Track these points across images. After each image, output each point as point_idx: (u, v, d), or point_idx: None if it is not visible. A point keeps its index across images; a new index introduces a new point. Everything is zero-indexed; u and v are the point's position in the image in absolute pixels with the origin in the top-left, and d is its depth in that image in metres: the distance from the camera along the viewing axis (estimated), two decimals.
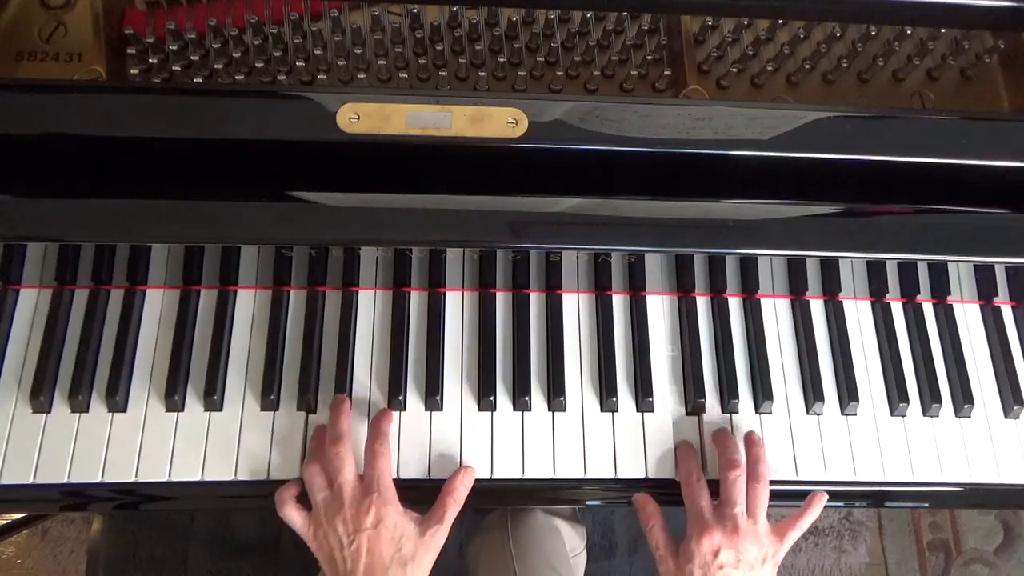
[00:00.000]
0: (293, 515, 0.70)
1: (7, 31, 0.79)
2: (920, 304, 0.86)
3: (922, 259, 0.83)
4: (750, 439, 0.77)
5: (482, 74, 0.82)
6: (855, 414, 0.81)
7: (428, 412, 0.77)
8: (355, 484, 0.69)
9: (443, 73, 0.81)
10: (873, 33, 0.85)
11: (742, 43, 0.85)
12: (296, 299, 0.81)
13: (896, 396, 0.81)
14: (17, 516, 1.25)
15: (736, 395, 0.80)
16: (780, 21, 0.85)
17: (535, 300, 0.82)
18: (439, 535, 0.70)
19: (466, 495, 0.73)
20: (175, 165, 0.70)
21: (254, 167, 0.70)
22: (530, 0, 0.79)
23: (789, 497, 0.77)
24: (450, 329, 0.81)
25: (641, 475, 0.77)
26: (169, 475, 0.73)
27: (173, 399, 0.75)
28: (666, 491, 0.76)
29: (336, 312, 0.80)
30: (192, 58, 0.79)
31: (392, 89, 0.80)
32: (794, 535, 0.73)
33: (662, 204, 0.72)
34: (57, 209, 0.68)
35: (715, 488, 0.74)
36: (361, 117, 0.67)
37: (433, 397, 0.77)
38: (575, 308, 0.82)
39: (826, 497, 0.75)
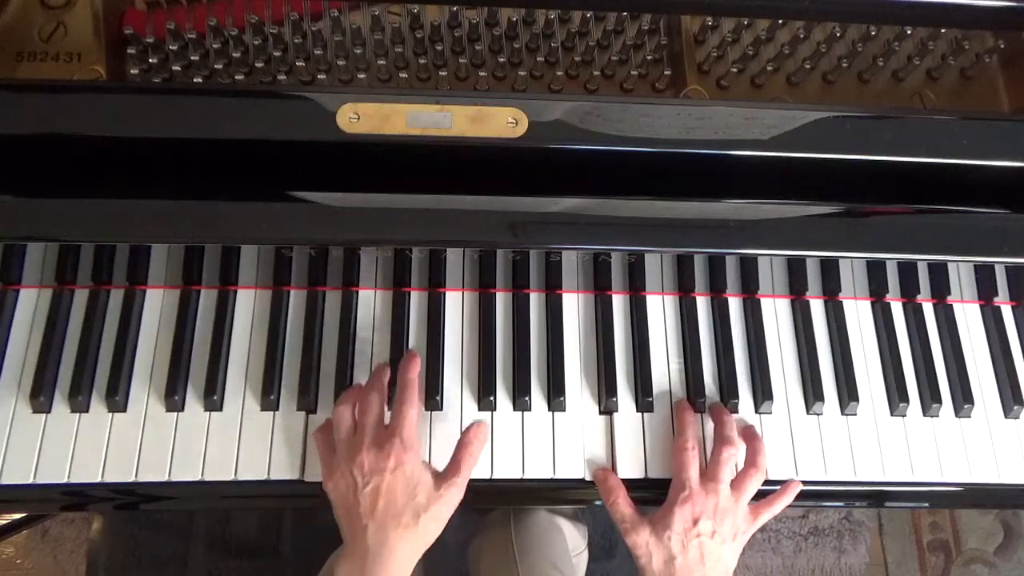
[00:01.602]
0: (321, 446, 0.72)
1: (7, 31, 0.79)
2: (920, 304, 0.86)
3: (922, 259, 0.83)
4: (750, 432, 0.78)
5: (482, 74, 0.82)
6: (855, 414, 0.81)
7: (428, 412, 0.77)
8: (378, 427, 0.70)
9: (443, 73, 0.81)
10: (873, 33, 0.85)
11: (742, 43, 0.85)
12: (296, 299, 0.81)
13: (896, 396, 0.81)
14: (17, 516, 1.25)
15: (736, 395, 0.80)
16: (780, 21, 0.85)
17: (535, 300, 0.82)
18: (455, 490, 0.70)
19: (480, 451, 0.73)
20: (175, 165, 0.70)
21: (254, 167, 0.70)
22: (530, 0, 0.79)
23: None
24: (450, 329, 0.81)
25: (641, 475, 0.77)
26: (169, 475, 0.73)
27: (173, 399, 0.75)
28: (665, 491, 0.76)
29: (336, 312, 0.80)
30: (192, 58, 0.79)
31: (392, 89, 0.80)
32: (765, 516, 0.75)
33: (662, 204, 0.72)
34: (57, 209, 0.68)
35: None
36: (361, 117, 0.67)
37: (433, 397, 0.77)
38: (575, 308, 0.82)
39: (800, 486, 0.77)
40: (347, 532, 0.68)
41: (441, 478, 0.70)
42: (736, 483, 0.74)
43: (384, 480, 0.67)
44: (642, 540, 0.71)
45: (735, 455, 0.75)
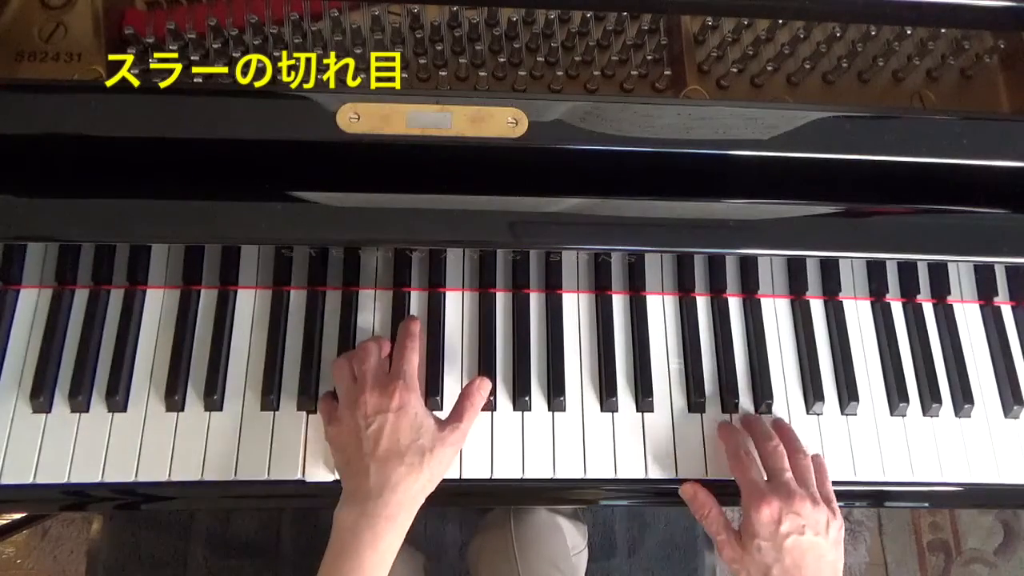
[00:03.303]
0: (323, 407, 0.73)
1: (7, 31, 0.79)
2: (920, 304, 0.86)
3: (922, 259, 0.83)
4: (779, 423, 0.78)
5: (482, 74, 0.82)
6: (855, 414, 0.81)
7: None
8: (379, 371, 0.70)
9: (443, 73, 0.81)
10: (873, 33, 0.85)
11: (742, 43, 0.85)
12: (296, 299, 0.81)
13: (896, 396, 0.81)
14: (17, 516, 1.26)
15: (736, 395, 0.80)
16: (780, 21, 0.85)
17: (535, 300, 0.82)
18: (457, 433, 0.70)
19: (482, 404, 0.73)
20: (175, 165, 0.70)
21: (254, 167, 0.70)
22: (530, 0, 0.79)
23: None
24: (450, 329, 0.81)
25: (641, 475, 0.77)
26: (169, 475, 0.73)
27: (173, 399, 0.75)
28: (665, 491, 0.76)
29: (336, 312, 0.80)
30: (192, 58, 0.79)
31: (392, 89, 0.80)
32: (836, 505, 0.73)
33: (662, 204, 0.72)
34: (57, 209, 0.68)
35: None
36: (361, 117, 0.67)
37: (433, 397, 0.77)
38: (575, 308, 0.82)
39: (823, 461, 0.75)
40: (347, 478, 0.67)
41: (445, 423, 0.70)
42: (796, 474, 0.72)
43: (387, 420, 0.66)
44: (736, 555, 0.69)
45: (780, 444, 0.73)
